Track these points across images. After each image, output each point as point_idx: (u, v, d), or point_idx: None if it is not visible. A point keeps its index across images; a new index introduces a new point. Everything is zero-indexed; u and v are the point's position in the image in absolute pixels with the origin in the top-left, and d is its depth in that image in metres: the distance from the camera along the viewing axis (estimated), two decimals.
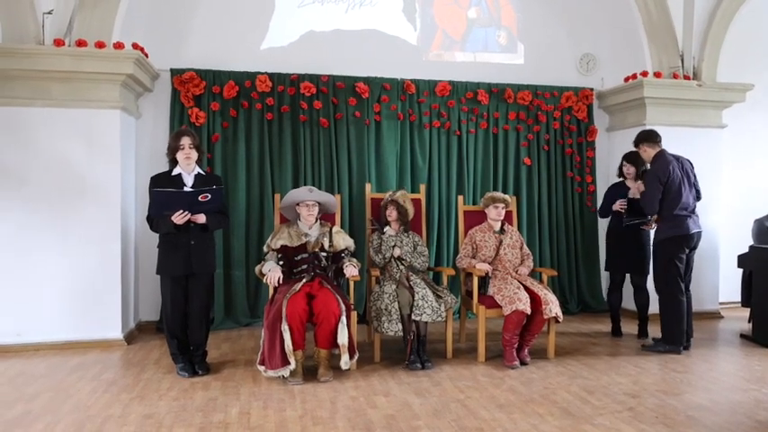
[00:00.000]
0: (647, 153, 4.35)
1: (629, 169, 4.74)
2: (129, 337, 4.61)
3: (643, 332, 4.76)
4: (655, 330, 4.65)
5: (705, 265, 5.38)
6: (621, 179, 4.87)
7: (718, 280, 5.58)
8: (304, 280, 3.78)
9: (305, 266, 3.89)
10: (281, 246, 3.93)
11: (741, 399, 3.37)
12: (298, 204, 4.04)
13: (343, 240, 4.06)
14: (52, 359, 4.10)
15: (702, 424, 2.99)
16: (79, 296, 4.40)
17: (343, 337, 3.58)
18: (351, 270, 3.91)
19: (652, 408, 3.20)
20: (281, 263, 3.90)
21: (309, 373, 3.66)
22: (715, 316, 5.57)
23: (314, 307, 3.65)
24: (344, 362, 3.61)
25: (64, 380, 3.65)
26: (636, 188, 4.50)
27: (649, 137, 4.35)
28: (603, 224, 5.90)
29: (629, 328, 4.88)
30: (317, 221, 4.05)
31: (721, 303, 5.71)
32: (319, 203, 4.06)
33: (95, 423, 2.96)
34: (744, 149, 5.99)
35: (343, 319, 3.61)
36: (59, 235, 4.37)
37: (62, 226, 4.38)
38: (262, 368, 3.61)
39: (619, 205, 4.64)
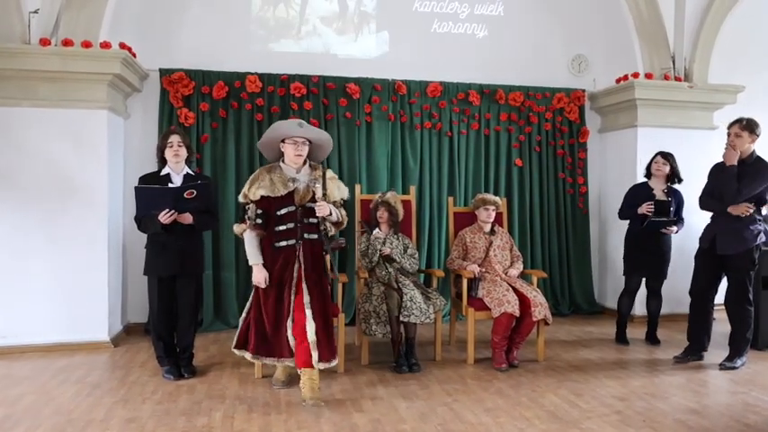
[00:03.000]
0: (751, 145, 3.92)
1: (664, 168, 4.54)
2: (117, 340, 4.56)
3: (653, 338, 4.62)
4: (665, 334, 4.64)
5: (689, 268, 5.27)
6: (645, 180, 4.66)
7: None
8: (293, 279, 3.28)
9: (291, 225, 3.25)
10: (262, 197, 3.23)
11: (730, 402, 3.35)
12: (283, 141, 3.32)
13: (338, 189, 3.42)
14: (37, 362, 4.06)
15: (690, 427, 2.97)
16: (66, 298, 4.35)
17: (311, 334, 3.17)
18: (323, 209, 3.21)
19: (640, 411, 3.18)
20: (259, 221, 3.27)
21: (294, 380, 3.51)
22: None
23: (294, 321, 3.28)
24: (315, 360, 3.19)
25: (47, 383, 3.61)
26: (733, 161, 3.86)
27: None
28: (595, 226, 5.92)
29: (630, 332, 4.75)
30: (305, 164, 3.37)
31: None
32: (311, 142, 3.36)
33: (76, 427, 2.92)
34: None
35: (312, 331, 3.18)
36: (46, 236, 4.33)
37: (49, 227, 4.33)
38: (247, 354, 3.43)
39: (646, 208, 4.43)
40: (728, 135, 3.96)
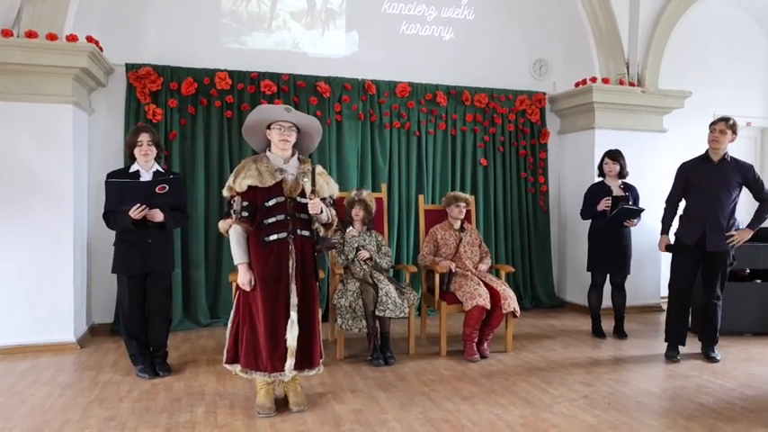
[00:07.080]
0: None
1: (615, 167, 4.75)
2: (82, 340, 4.45)
3: (620, 332, 4.78)
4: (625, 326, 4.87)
5: (647, 261, 5.70)
6: (601, 179, 4.87)
7: (659, 275, 5.90)
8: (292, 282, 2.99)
9: (281, 217, 3.00)
10: (249, 188, 2.97)
11: (684, 384, 3.61)
12: (268, 127, 3.08)
13: (327, 185, 3.16)
14: None
15: (651, 408, 3.19)
16: (30, 298, 4.22)
17: (292, 339, 2.96)
18: (315, 206, 3.00)
19: (605, 395, 3.39)
20: (245, 214, 2.98)
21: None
22: (657, 309, 5.90)
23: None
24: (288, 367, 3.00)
25: (15, 384, 3.50)
26: None
27: None
28: (555, 223, 6.19)
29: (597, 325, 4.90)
30: (293, 155, 3.13)
31: (663, 297, 6.05)
32: (298, 129, 3.10)
33: (54, 427, 2.87)
34: (681, 152, 6.33)
35: (293, 337, 2.98)
36: (7, 233, 4.18)
37: (11, 224, 4.18)
38: (237, 368, 3.09)
39: (604, 204, 4.62)
40: (713, 131, 4.00)
